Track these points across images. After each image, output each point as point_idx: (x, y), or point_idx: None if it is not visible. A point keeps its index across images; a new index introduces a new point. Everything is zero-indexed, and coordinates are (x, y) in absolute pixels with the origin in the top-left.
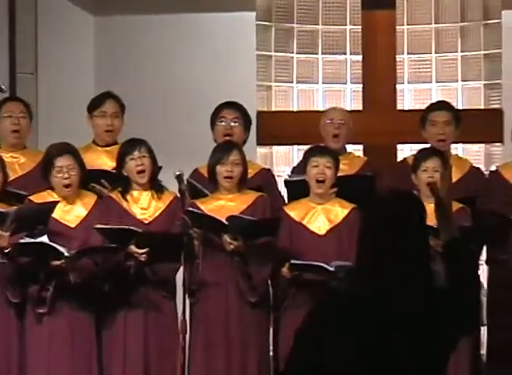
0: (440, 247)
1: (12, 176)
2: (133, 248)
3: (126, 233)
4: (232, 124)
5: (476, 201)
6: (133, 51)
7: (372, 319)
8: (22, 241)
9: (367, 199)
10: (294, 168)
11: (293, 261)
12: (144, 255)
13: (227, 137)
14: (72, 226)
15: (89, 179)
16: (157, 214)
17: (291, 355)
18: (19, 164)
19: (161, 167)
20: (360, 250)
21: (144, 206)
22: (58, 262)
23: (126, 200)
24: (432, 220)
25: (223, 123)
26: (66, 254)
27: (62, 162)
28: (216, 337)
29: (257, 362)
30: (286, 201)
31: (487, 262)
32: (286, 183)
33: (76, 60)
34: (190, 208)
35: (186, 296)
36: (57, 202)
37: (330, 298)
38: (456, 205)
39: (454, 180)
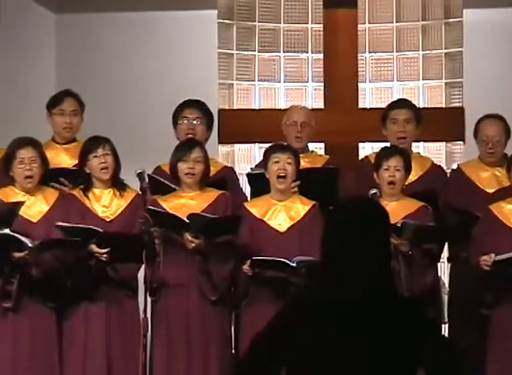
0: (403, 246)
1: None
2: (93, 247)
3: (87, 232)
4: (195, 123)
5: (438, 198)
6: (94, 49)
7: (335, 317)
8: None
9: (330, 200)
10: (256, 166)
11: (254, 257)
12: (105, 255)
13: (190, 136)
14: (34, 221)
15: (48, 177)
16: (119, 212)
17: (254, 353)
18: None
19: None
20: (323, 251)
21: (105, 204)
22: (21, 254)
23: (88, 198)
24: (393, 219)
25: (185, 122)
26: (30, 245)
27: (24, 153)
28: (177, 335)
29: (218, 359)
30: (250, 194)
31: (449, 260)
32: (248, 176)
33: (37, 58)
34: (152, 207)
35: (148, 294)
36: (23, 203)
37: (297, 298)
38: (418, 204)
39: (415, 177)
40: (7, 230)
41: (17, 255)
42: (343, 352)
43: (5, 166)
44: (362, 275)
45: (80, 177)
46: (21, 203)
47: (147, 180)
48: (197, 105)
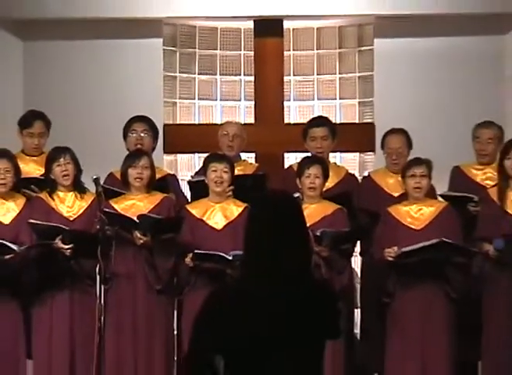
0: (324, 252)
1: None
2: (59, 243)
3: (54, 230)
4: (142, 135)
5: (352, 199)
6: (57, 74)
7: (254, 307)
8: None
9: (252, 199)
10: (196, 173)
11: (196, 251)
12: (69, 250)
13: (138, 146)
14: (6, 223)
15: (20, 185)
16: (80, 212)
17: (191, 340)
18: None
19: (82, 171)
20: (245, 245)
21: (69, 205)
22: (7, 257)
23: (54, 200)
24: (314, 218)
25: (134, 135)
26: (16, 249)
27: None
28: (126, 320)
29: (163, 342)
30: (191, 197)
31: (361, 254)
32: (189, 183)
33: (5, 82)
34: (106, 208)
35: (101, 284)
36: None
37: (220, 289)
38: (334, 207)
39: (332, 184)
40: None
41: (5, 257)
42: (265, 340)
43: None
44: (278, 263)
45: (46, 184)
46: None
47: (101, 184)
48: (144, 120)
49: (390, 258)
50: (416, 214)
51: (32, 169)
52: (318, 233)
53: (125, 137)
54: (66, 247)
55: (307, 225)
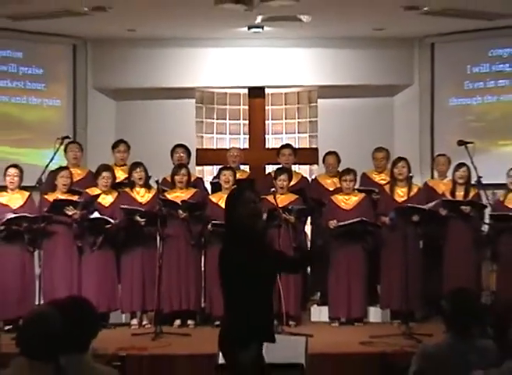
0: (292, 220)
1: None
2: (137, 218)
3: (134, 210)
4: (182, 155)
5: (305, 193)
6: (136, 120)
7: (230, 252)
8: None
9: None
10: (214, 177)
11: (213, 221)
12: (142, 222)
13: (180, 162)
14: (106, 206)
15: (115, 185)
16: (148, 200)
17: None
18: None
19: (150, 176)
20: (226, 218)
21: (142, 196)
22: (109, 226)
23: (133, 193)
24: (285, 202)
25: (177, 155)
26: (112, 222)
27: (105, 174)
28: (174, 262)
29: (195, 275)
30: (211, 191)
31: (311, 223)
32: (210, 183)
33: (103, 126)
34: (162, 197)
35: (159, 242)
36: (99, 195)
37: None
38: (295, 196)
39: (294, 183)
40: (96, 213)
41: (107, 226)
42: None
43: (95, 178)
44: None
45: (129, 184)
46: (98, 195)
47: (159, 184)
48: (183, 146)
49: (332, 227)
50: (347, 201)
51: (120, 175)
52: (289, 208)
53: (172, 156)
54: (141, 220)
55: (281, 206)
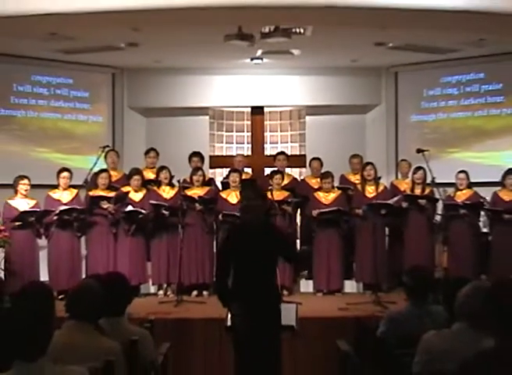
0: (289, 210)
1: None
2: (163, 211)
3: (161, 205)
4: (196, 160)
5: (295, 190)
6: (161, 133)
7: (243, 230)
8: None
9: (241, 184)
10: (224, 178)
11: (224, 212)
12: (167, 214)
13: (195, 165)
14: (137, 201)
15: (145, 183)
16: (171, 196)
17: (219, 247)
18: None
19: (173, 176)
20: (241, 198)
21: (167, 192)
22: (141, 216)
23: (159, 190)
24: (281, 197)
25: (194, 159)
26: (144, 212)
27: (136, 177)
28: (192, 244)
29: (209, 251)
30: (222, 188)
31: (300, 214)
32: (221, 182)
33: (136, 140)
34: (183, 194)
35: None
36: (128, 192)
37: (231, 228)
38: (287, 193)
39: (286, 182)
40: (130, 207)
41: (139, 216)
42: (250, 250)
43: (127, 179)
44: (252, 214)
45: (156, 182)
46: (128, 192)
47: (181, 183)
48: (198, 154)
49: (314, 215)
50: (327, 197)
51: (150, 175)
52: (288, 201)
53: (189, 161)
54: (166, 212)
55: (277, 200)
